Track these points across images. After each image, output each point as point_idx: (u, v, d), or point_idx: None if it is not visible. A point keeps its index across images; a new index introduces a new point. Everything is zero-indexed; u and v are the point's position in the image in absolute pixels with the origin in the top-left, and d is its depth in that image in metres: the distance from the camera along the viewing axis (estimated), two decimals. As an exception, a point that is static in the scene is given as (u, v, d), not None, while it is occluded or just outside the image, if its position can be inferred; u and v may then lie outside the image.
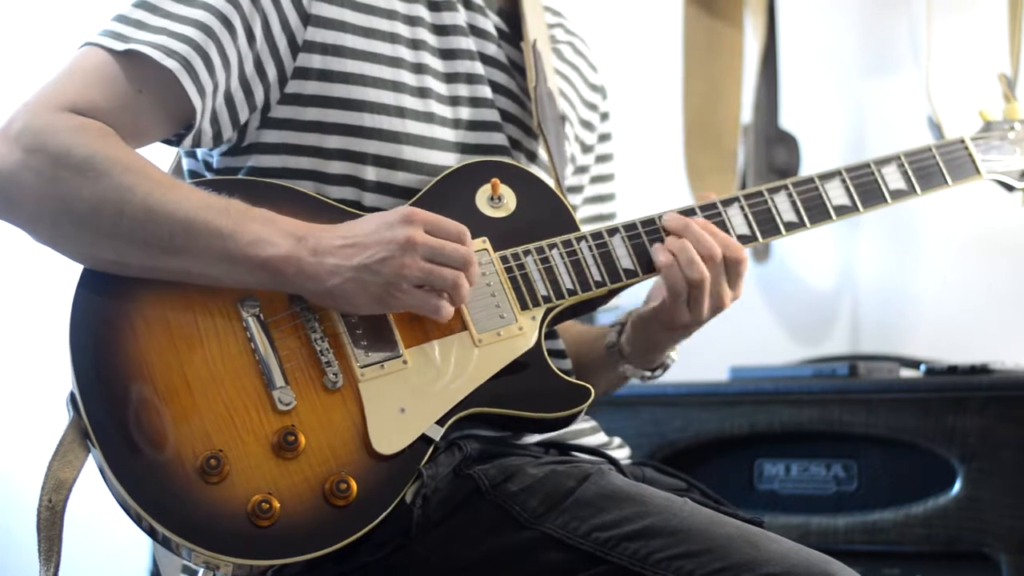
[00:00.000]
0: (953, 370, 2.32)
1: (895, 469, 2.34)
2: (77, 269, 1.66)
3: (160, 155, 1.75)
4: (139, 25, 1.69)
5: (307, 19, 1.75)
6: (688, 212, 1.83)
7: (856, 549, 2.30)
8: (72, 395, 1.61)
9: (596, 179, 2.08)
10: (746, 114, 2.95)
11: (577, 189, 2.04)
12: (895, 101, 2.86)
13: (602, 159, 2.09)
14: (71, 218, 1.62)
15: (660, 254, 1.78)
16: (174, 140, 1.75)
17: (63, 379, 1.64)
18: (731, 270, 1.80)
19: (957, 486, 2.26)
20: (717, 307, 1.80)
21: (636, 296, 1.90)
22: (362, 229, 1.65)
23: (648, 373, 1.95)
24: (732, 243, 1.80)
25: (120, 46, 1.68)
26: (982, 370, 2.30)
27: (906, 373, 2.53)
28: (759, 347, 2.88)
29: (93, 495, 1.66)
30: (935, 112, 2.57)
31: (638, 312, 1.90)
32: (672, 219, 1.80)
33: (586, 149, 2.05)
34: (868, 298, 2.92)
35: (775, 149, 2.92)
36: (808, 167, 2.91)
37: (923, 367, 2.40)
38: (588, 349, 1.97)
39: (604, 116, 2.10)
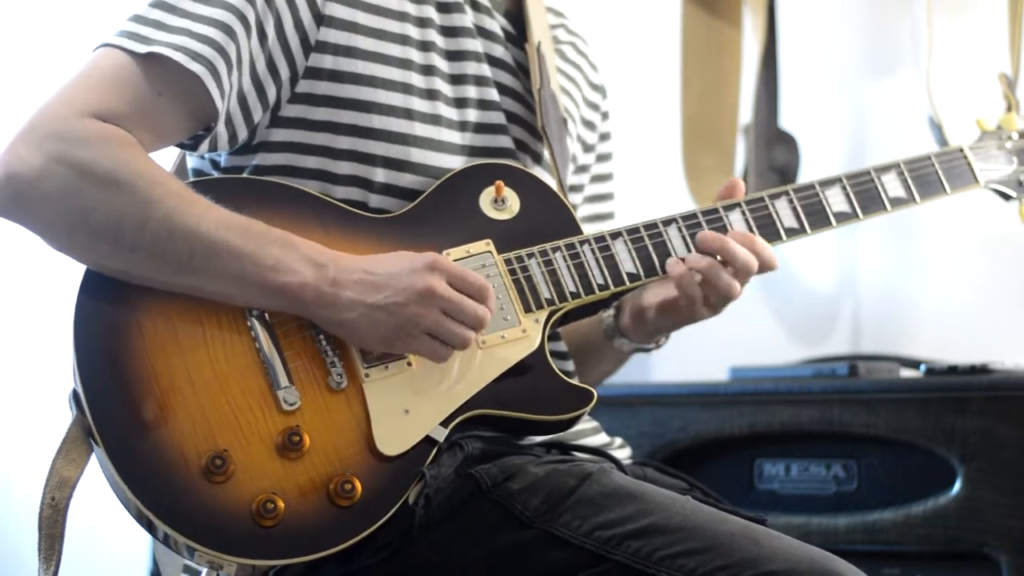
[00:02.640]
0: (953, 370, 2.32)
1: (895, 469, 2.33)
2: (81, 267, 1.65)
3: (163, 154, 1.75)
4: (158, 26, 1.68)
5: (320, 19, 1.75)
6: (691, 216, 1.83)
7: (856, 549, 2.30)
8: (75, 393, 1.61)
9: (596, 178, 2.08)
10: (746, 114, 2.94)
11: (578, 188, 2.05)
12: (895, 101, 2.86)
13: (602, 158, 2.09)
14: (89, 229, 1.61)
15: (674, 267, 1.79)
16: (189, 144, 1.74)
17: (64, 378, 1.64)
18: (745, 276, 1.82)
19: (957, 486, 2.26)
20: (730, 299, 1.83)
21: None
22: (385, 268, 1.64)
23: (652, 346, 1.97)
24: (765, 252, 1.82)
25: (141, 48, 1.67)
26: (982, 370, 2.30)
27: (906, 373, 2.52)
28: (759, 347, 2.88)
29: (92, 494, 1.66)
30: (936, 112, 2.57)
31: (636, 301, 1.91)
32: (707, 238, 1.80)
33: (587, 148, 2.06)
34: (868, 298, 2.92)
35: (775, 149, 2.91)
36: (808, 167, 2.90)
37: (923, 367, 2.40)
38: (587, 334, 1.97)
39: (604, 115, 2.10)
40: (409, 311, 1.62)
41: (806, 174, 2.87)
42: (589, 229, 1.82)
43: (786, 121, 2.94)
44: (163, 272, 1.62)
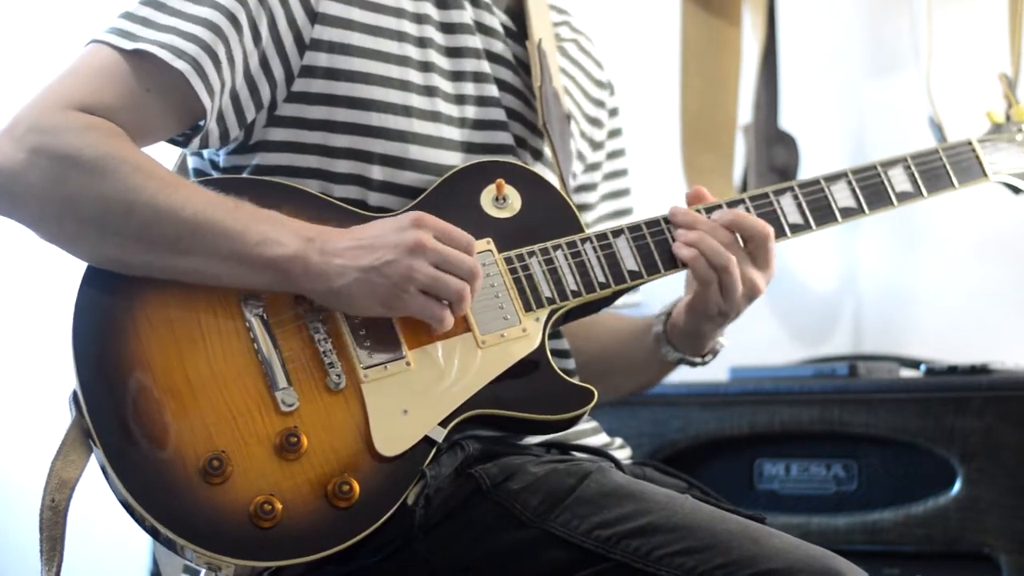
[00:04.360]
0: (953, 370, 2.32)
1: (895, 469, 2.33)
2: (79, 268, 1.65)
3: (165, 154, 1.75)
4: (147, 23, 1.69)
5: (314, 17, 1.75)
6: (693, 213, 1.83)
7: (856, 549, 2.29)
8: (74, 394, 1.61)
9: (610, 175, 2.08)
10: (746, 114, 2.94)
11: (590, 187, 2.05)
12: (896, 101, 2.86)
13: (614, 155, 2.09)
14: (77, 217, 1.61)
15: (682, 249, 1.78)
16: (180, 140, 1.75)
17: (64, 379, 1.64)
18: (758, 249, 1.80)
19: (957, 486, 2.26)
20: (751, 293, 1.81)
21: (659, 290, 1.90)
22: (371, 232, 1.64)
23: (699, 359, 1.95)
24: (751, 222, 1.80)
25: (129, 45, 1.67)
26: (982, 370, 2.30)
27: (906, 373, 2.52)
28: (759, 347, 2.88)
29: (93, 495, 1.66)
30: (936, 112, 2.57)
31: (680, 303, 1.91)
32: (679, 214, 1.80)
33: (596, 146, 2.05)
34: (869, 298, 2.92)
35: (775, 149, 2.91)
36: (808, 167, 2.91)
37: (923, 367, 2.40)
38: (634, 342, 1.97)
39: (613, 112, 2.09)
40: (401, 266, 1.62)
41: (806, 174, 2.87)
42: (609, 226, 1.81)
43: (786, 121, 2.94)
44: (153, 257, 1.62)
